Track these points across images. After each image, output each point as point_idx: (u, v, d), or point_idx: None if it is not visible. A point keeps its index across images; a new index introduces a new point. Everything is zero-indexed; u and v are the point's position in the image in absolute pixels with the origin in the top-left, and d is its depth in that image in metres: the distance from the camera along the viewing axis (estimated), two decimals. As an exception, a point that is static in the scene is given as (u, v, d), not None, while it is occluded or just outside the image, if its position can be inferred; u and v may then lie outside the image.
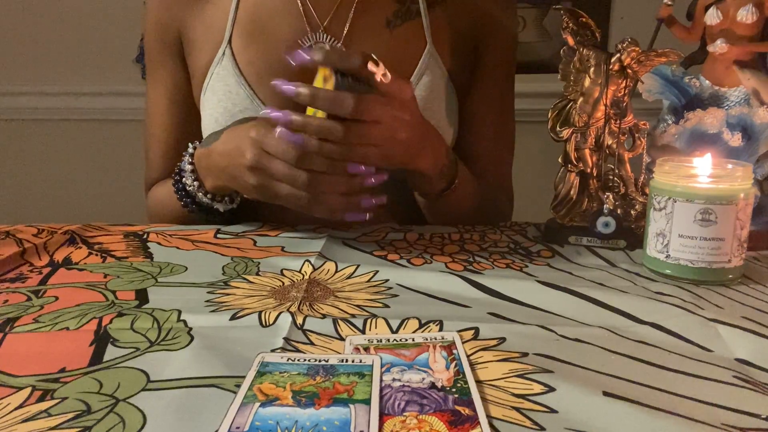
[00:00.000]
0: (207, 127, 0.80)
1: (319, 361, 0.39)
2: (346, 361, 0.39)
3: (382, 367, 0.39)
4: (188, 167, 0.73)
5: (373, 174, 0.61)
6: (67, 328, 0.45)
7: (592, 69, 0.66)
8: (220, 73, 0.78)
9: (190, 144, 0.75)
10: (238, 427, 0.32)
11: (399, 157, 0.64)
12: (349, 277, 0.57)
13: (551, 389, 0.37)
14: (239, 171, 0.63)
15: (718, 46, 0.68)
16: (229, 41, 0.78)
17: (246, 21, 0.78)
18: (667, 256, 0.56)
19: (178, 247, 0.66)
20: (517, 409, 0.35)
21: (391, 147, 0.62)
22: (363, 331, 0.45)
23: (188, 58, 0.82)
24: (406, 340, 0.43)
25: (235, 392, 0.36)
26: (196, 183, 0.72)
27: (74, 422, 0.33)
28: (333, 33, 0.78)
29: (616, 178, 0.67)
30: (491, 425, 0.33)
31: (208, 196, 0.73)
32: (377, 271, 0.58)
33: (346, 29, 0.78)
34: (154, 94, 0.85)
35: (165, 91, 0.84)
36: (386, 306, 0.50)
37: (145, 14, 0.83)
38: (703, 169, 0.56)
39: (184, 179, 0.73)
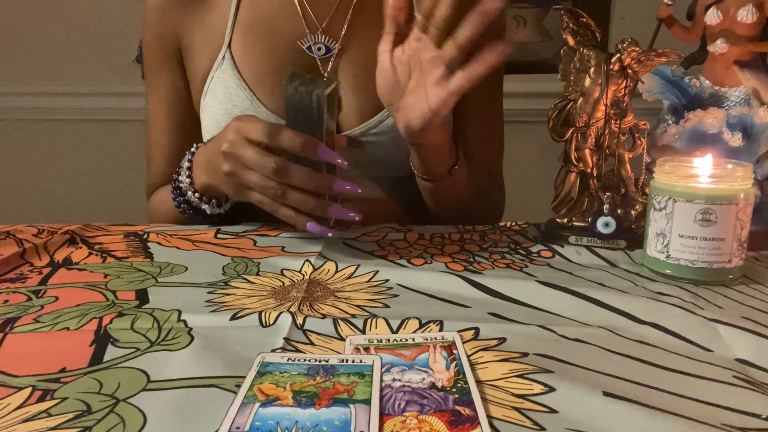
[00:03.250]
0: (208, 129, 0.80)
1: (320, 361, 0.39)
2: (347, 361, 0.39)
3: (382, 367, 0.39)
4: (186, 164, 0.73)
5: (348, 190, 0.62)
6: (68, 328, 0.45)
7: (592, 69, 0.66)
8: (220, 77, 0.79)
9: (195, 144, 0.75)
10: (238, 427, 0.32)
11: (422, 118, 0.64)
12: (349, 277, 0.57)
13: (551, 389, 0.37)
14: (216, 158, 0.65)
15: (718, 46, 0.68)
16: (229, 45, 0.79)
17: (245, 24, 0.79)
18: (667, 256, 0.56)
19: (178, 247, 0.66)
20: (517, 409, 0.35)
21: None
22: (363, 331, 0.45)
23: (187, 63, 0.83)
24: (407, 340, 0.43)
25: (235, 392, 0.36)
26: (188, 180, 0.73)
27: (74, 422, 0.33)
28: (331, 34, 0.79)
29: (616, 178, 0.67)
30: (491, 425, 0.33)
31: (197, 195, 0.73)
32: (377, 271, 0.58)
33: (344, 30, 0.79)
34: (154, 101, 0.86)
35: (164, 98, 0.85)
36: (386, 306, 0.50)
37: (143, 22, 0.84)
38: (703, 169, 0.56)
39: (180, 176, 0.74)
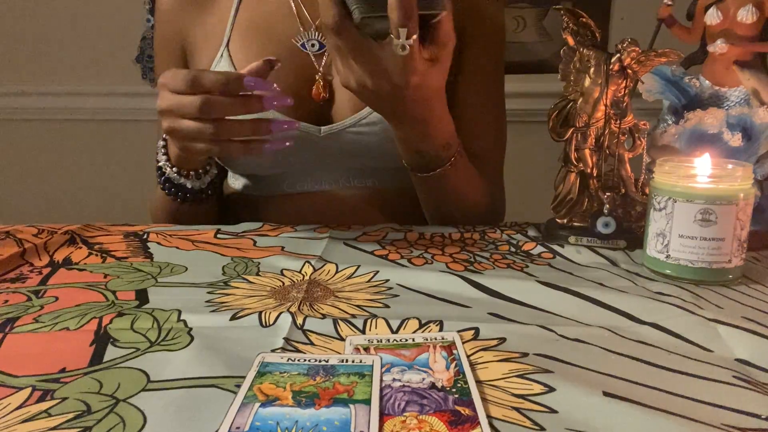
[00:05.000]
0: None
1: (320, 361, 0.39)
2: (346, 361, 0.39)
3: (382, 368, 0.39)
4: (161, 143, 0.75)
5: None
6: (67, 328, 0.45)
7: (592, 69, 0.66)
8: None
9: None
10: (238, 428, 0.32)
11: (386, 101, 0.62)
12: (349, 278, 0.57)
13: (551, 389, 0.37)
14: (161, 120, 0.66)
15: (718, 46, 0.67)
16: (227, 44, 0.81)
17: (243, 25, 0.82)
18: (667, 256, 0.56)
19: (178, 247, 0.66)
20: (517, 409, 0.35)
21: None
22: (363, 332, 0.45)
23: (190, 64, 0.85)
24: (406, 340, 0.43)
25: (235, 392, 0.36)
26: (164, 157, 0.74)
27: (74, 422, 0.33)
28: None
29: (616, 178, 0.67)
30: (491, 425, 0.33)
31: (174, 170, 0.74)
32: (377, 271, 0.58)
33: None
34: None
35: None
36: (386, 306, 0.50)
37: (155, 24, 0.87)
38: (703, 169, 0.56)
39: (158, 155, 0.75)
